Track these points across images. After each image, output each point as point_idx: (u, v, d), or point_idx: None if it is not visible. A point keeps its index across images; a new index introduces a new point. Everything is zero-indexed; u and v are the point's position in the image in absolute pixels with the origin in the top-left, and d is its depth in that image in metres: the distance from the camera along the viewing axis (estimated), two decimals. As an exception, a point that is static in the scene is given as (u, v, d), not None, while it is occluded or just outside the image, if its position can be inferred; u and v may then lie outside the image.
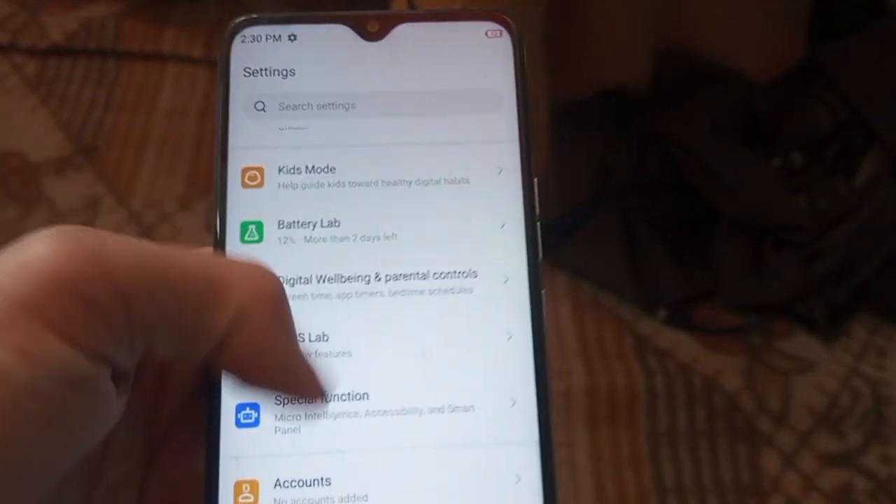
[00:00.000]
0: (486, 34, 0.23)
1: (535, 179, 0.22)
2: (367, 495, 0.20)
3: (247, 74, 0.22)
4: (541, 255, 0.22)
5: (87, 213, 0.72)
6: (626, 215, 0.72)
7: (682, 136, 0.70)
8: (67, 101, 0.78)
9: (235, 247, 0.21)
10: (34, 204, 0.73)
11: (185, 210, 0.72)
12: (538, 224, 0.22)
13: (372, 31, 0.23)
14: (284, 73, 0.22)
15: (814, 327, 0.70)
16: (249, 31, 0.22)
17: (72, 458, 0.16)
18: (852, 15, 0.78)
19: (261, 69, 0.22)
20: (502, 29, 0.23)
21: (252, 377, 0.18)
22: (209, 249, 0.20)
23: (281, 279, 0.21)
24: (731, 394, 0.67)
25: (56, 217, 0.72)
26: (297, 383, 0.18)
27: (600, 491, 0.62)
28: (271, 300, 0.18)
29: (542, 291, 0.22)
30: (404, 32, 0.23)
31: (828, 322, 0.70)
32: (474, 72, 0.23)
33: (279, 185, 0.22)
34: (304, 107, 0.22)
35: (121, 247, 0.16)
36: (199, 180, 0.74)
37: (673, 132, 0.71)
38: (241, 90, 0.22)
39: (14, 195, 0.73)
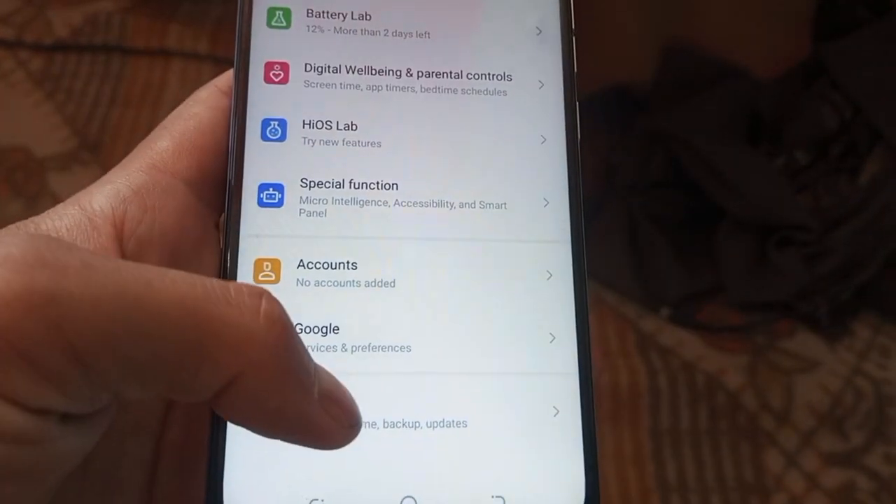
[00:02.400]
0: None
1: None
2: (394, 281, 0.20)
3: None
4: (576, 66, 0.22)
5: (91, 208, 0.72)
6: (630, 213, 0.72)
7: (686, 135, 0.70)
8: (73, 97, 0.78)
9: (262, 33, 0.21)
10: (39, 199, 0.73)
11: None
12: (573, 36, 0.22)
13: None
14: None
15: (817, 326, 0.70)
16: None
17: (30, 500, 0.14)
18: (857, 13, 0.78)
19: None
20: None
21: (259, 430, 0.16)
22: (201, 279, 0.15)
23: (308, 66, 0.20)
24: (733, 392, 0.67)
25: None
26: (314, 434, 0.16)
27: (603, 489, 0.62)
28: (272, 358, 0.15)
29: (576, 102, 0.22)
30: None
31: (831, 321, 0.70)
32: None
33: None
34: None
35: (84, 288, 0.13)
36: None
37: (677, 130, 0.71)
38: None
39: (19, 190, 0.73)
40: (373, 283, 0.20)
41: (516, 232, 0.21)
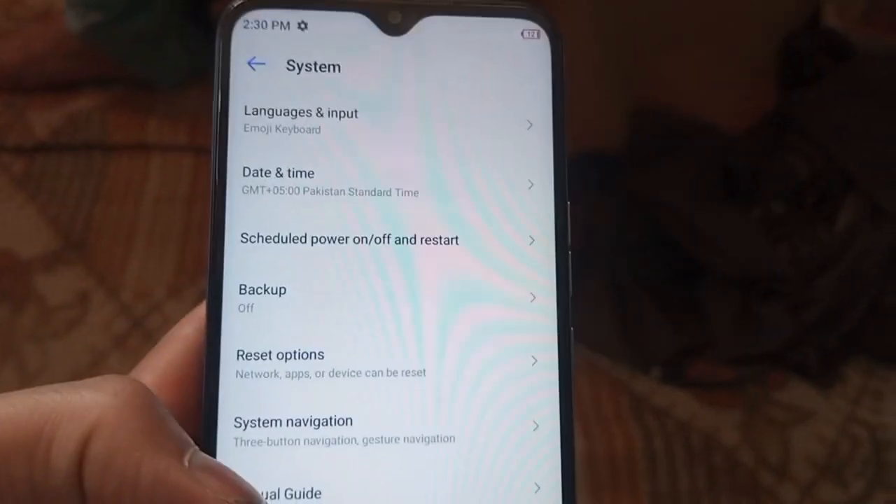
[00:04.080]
0: (522, 34, 0.21)
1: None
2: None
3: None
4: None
5: (78, 309, 0.72)
6: (613, 275, 0.72)
7: (661, 194, 0.71)
8: (55, 197, 0.79)
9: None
10: (25, 302, 0.73)
11: (175, 298, 0.73)
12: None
13: (394, 22, 0.20)
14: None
15: (808, 375, 0.70)
16: (253, 16, 0.20)
17: None
18: (819, 62, 0.80)
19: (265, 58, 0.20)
20: (540, 30, 0.21)
21: (120, 501, 0.15)
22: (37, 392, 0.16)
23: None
24: (730, 449, 0.67)
25: (47, 314, 0.72)
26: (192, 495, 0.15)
27: (607, 558, 0.62)
28: (119, 415, 0.15)
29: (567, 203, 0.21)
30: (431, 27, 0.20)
31: (821, 368, 0.70)
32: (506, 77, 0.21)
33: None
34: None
35: None
36: (187, 267, 0.75)
37: (652, 191, 0.72)
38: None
39: (4, 294, 0.74)
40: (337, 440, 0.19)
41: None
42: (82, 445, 0.15)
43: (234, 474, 0.17)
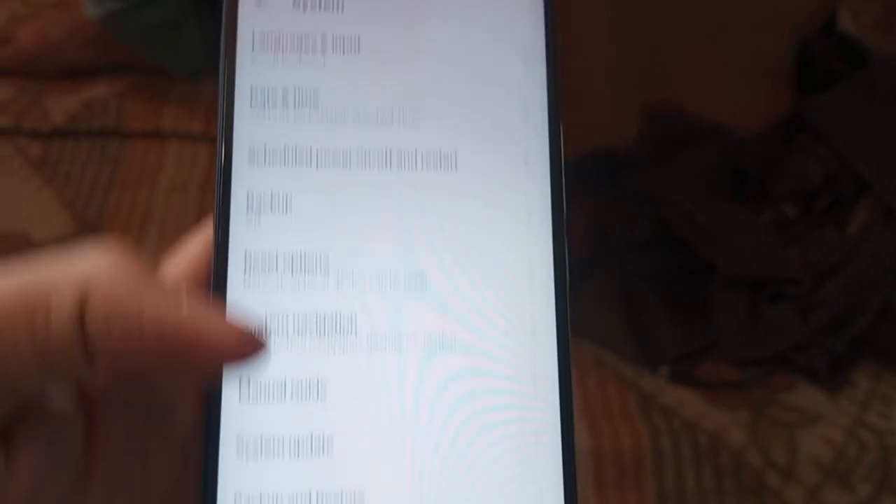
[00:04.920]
0: None
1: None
2: None
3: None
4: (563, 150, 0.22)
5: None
6: (622, 274, 0.73)
7: (672, 194, 0.72)
8: (71, 181, 0.80)
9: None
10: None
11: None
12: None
13: None
14: None
15: (816, 378, 0.70)
16: None
17: None
18: (834, 67, 0.80)
19: None
20: None
21: (130, 354, 0.16)
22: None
23: None
24: (737, 450, 0.67)
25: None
26: (198, 339, 0.16)
27: (611, 555, 0.62)
28: (112, 267, 0.16)
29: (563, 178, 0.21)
30: None
31: (830, 372, 0.70)
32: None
33: None
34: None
35: None
36: (200, 255, 0.75)
37: (663, 190, 0.72)
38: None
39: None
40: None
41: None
42: (80, 304, 0.15)
43: (233, 315, 0.17)
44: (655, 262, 0.73)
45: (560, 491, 0.20)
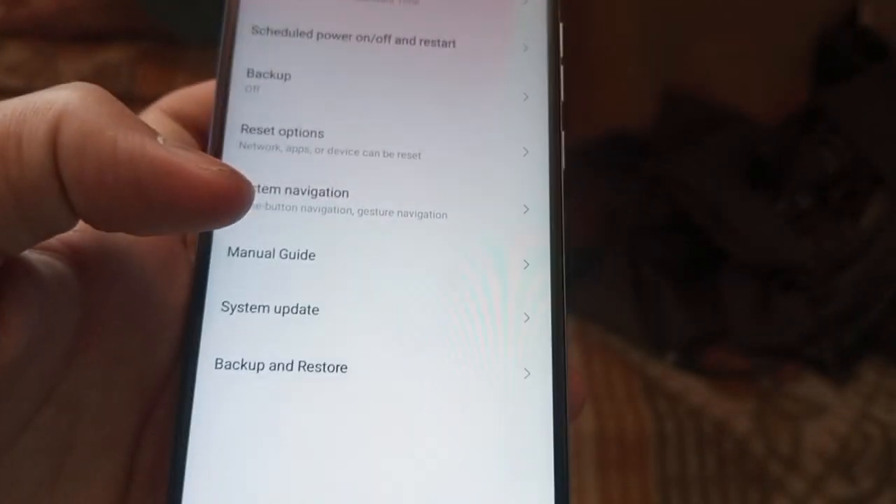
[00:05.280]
0: None
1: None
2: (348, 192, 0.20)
3: None
4: (563, 90, 0.22)
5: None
6: (633, 258, 0.72)
7: (687, 180, 0.71)
8: (80, 145, 0.79)
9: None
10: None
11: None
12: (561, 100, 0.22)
13: None
14: None
15: (823, 370, 0.70)
16: None
17: None
18: (854, 59, 0.79)
19: None
20: None
21: (104, 188, 0.15)
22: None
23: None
24: (741, 438, 0.66)
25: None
26: (178, 178, 0.15)
27: (611, 537, 0.62)
28: (82, 98, 0.15)
29: (560, 114, 0.22)
30: None
31: (837, 364, 0.70)
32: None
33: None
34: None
35: None
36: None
37: (678, 176, 0.71)
38: None
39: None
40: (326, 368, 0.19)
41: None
42: (52, 134, 0.15)
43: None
44: (667, 247, 0.73)
45: (549, 373, 0.20)
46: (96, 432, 0.17)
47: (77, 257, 0.17)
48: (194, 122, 0.22)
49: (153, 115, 0.22)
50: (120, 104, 0.16)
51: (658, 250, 0.72)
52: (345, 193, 0.20)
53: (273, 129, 0.21)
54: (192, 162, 0.15)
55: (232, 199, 0.16)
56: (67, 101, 0.15)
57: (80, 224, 0.16)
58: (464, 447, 0.19)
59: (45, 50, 0.85)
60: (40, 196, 0.15)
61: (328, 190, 0.20)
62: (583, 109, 0.78)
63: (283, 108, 0.21)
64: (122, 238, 0.18)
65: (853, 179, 0.73)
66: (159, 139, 0.15)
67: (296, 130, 0.21)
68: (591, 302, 0.71)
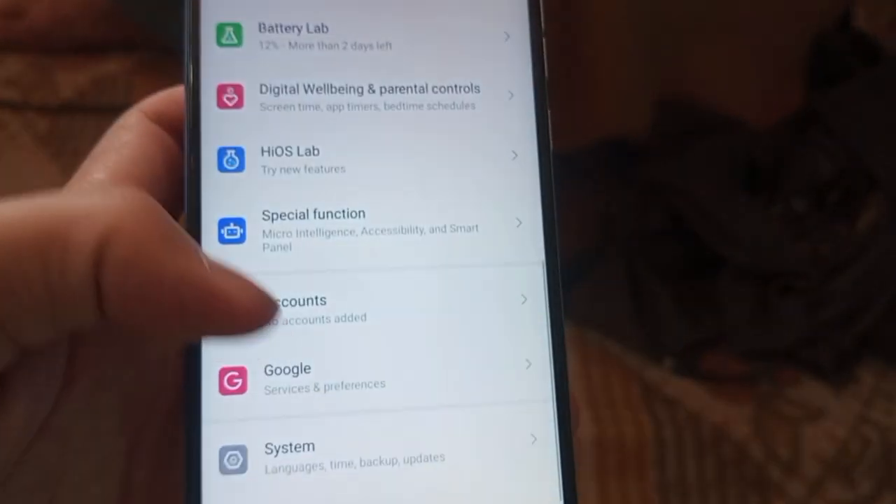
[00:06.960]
0: None
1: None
2: (365, 315, 0.19)
3: None
4: (546, 73, 0.21)
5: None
6: (630, 263, 0.72)
7: (683, 185, 0.71)
8: (79, 157, 0.79)
9: (212, 53, 0.20)
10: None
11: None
12: (543, 39, 0.21)
13: None
14: None
15: (821, 373, 0.70)
16: None
17: None
18: (848, 63, 0.79)
19: None
20: None
21: (154, 306, 0.15)
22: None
23: (263, 87, 0.19)
24: (740, 443, 0.66)
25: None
26: (215, 302, 0.15)
27: (611, 543, 0.62)
28: (134, 218, 0.15)
29: (548, 111, 0.21)
30: None
31: (835, 368, 0.70)
32: None
33: None
34: None
35: None
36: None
37: (674, 181, 0.72)
38: None
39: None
40: (343, 318, 0.19)
41: (487, 255, 0.20)
42: (100, 248, 0.15)
43: (249, 275, 0.16)
44: (664, 253, 0.73)
45: (547, 357, 0.20)
46: (86, 460, 0.17)
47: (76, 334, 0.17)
48: (175, 124, 0.22)
49: (135, 117, 0.21)
50: (168, 219, 0.16)
51: (655, 256, 0.72)
52: (349, 212, 0.20)
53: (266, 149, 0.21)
54: (233, 285, 0.16)
55: (263, 323, 0.16)
56: (119, 214, 0.15)
57: None
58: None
59: (43, 62, 0.85)
60: (76, 303, 0.15)
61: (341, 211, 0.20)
62: (578, 116, 0.78)
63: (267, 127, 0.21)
64: None
65: (848, 183, 0.73)
66: (203, 258, 0.16)
67: (285, 150, 0.20)
68: (588, 308, 0.71)
